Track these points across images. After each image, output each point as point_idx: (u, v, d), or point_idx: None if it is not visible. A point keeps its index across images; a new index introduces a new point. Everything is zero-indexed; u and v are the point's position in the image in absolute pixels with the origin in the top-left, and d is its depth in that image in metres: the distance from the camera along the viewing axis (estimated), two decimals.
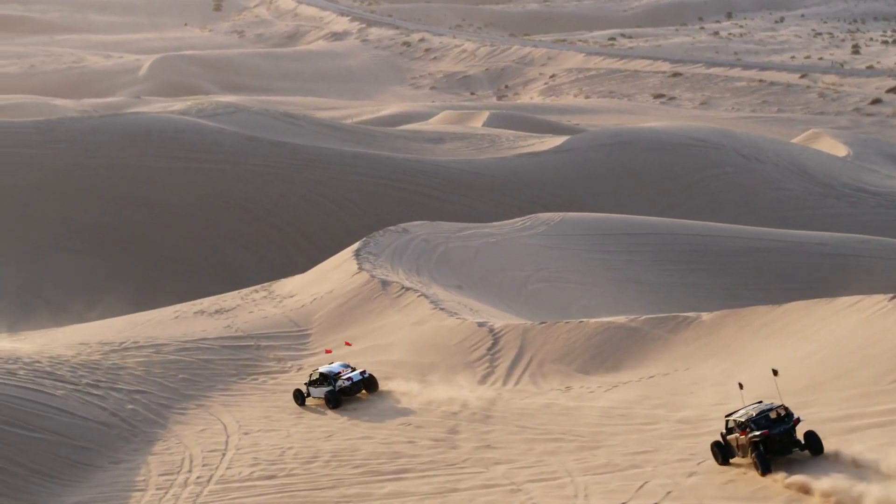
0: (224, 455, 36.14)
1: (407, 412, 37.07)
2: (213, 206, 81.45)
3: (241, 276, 73.51)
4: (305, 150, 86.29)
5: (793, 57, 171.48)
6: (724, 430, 28.36)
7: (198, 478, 34.73)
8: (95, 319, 59.63)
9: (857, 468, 25.41)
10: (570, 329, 40.91)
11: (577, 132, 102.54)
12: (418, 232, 58.33)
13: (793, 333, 35.81)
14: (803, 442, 26.93)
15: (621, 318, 41.28)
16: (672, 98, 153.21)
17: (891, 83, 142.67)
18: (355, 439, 35.66)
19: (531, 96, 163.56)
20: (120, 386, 42.58)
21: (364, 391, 39.60)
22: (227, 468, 35.00)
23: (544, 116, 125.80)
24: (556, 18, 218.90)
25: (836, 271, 61.01)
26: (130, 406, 41.06)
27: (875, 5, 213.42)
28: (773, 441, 26.83)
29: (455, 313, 45.15)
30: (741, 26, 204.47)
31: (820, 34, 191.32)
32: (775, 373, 28.81)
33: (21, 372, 42.06)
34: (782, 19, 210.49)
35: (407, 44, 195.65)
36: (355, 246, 56.04)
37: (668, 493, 27.52)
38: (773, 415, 27.19)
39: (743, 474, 27.27)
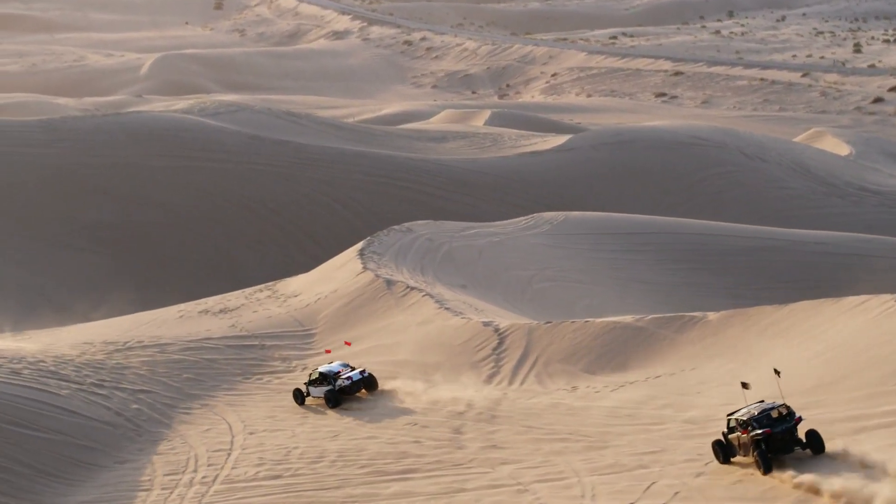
0: (229, 455, 36.10)
1: (412, 412, 37.01)
2: (215, 205, 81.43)
3: (243, 274, 73.51)
4: (308, 149, 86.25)
5: (794, 56, 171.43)
6: (725, 429, 28.44)
7: (203, 478, 34.68)
8: (99, 318, 59.59)
9: (864, 468, 25.40)
10: (575, 329, 40.88)
11: (579, 131, 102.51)
12: (422, 231, 58.26)
13: (800, 333, 35.78)
14: (805, 440, 27.09)
15: (627, 318, 41.24)
16: (674, 97, 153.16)
17: (892, 82, 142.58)
18: (361, 439, 35.62)
19: (532, 95, 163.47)
20: (124, 385, 42.53)
21: (364, 390, 39.61)
22: (233, 468, 34.96)
23: (546, 115, 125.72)
24: (558, 17, 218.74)
25: (839, 270, 61.00)
26: (135, 406, 41.01)
27: (876, 4, 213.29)
28: (775, 440, 27.01)
29: (460, 313, 45.10)
30: (742, 25, 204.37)
31: (821, 33, 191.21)
32: (777, 373, 28.89)
33: (25, 371, 42.03)
34: (784, 18, 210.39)
35: (408, 42, 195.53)
36: (359, 245, 55.95)
37: (676, 493, 27.50)
38: (774, 414, 27.36)
39: (750, 475, 27.24)
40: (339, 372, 39.54)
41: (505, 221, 63.52)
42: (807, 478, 25.75)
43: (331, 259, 57.35)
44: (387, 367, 41.78)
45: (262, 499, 32.60)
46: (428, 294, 47.55)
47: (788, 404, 27.62)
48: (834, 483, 24.91)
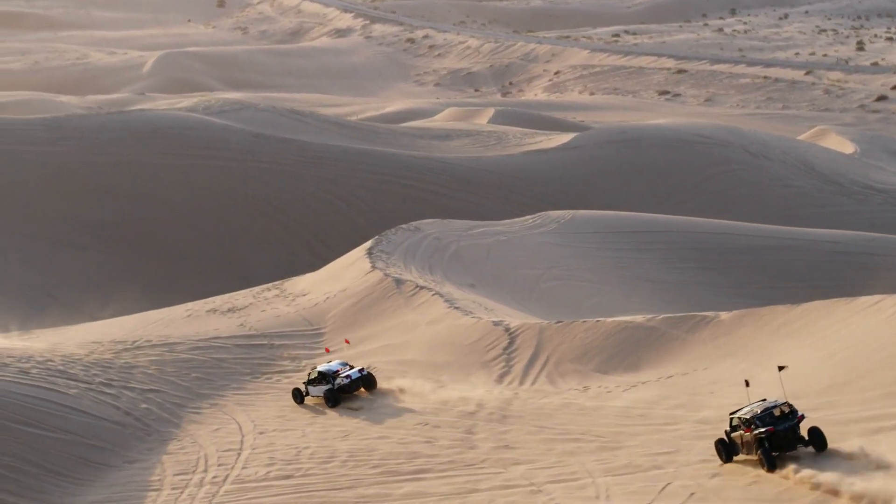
0: (239, 455, 35.97)
1: (423, 412, 36.88)
2: (219, 204, 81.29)
3: (248, 273, 73.43)
4: (312, 147, 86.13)
5: (797, 53, 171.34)
6: (728, 428, 28.42)
7: (213, 477, 34.55)
8: (106, 318, 59.45)
9: (882, 469, 25.30)
10: (587, 328, 40.75)
11: (583, 129, 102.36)
12: (430, 230, 58.11)
13: (812, 333, 35.67)
14: (807, 438, 27.16)
15: (638, 318, 41.11)
16: (677, 95, 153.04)
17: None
18: (372, 439, 35.49)
19: (535, 93, 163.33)
20: (133, 385, 42.41)
21: (363, 389, 39.48)
22: (243, 468, 34.83)
23: (549, 113, 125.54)
24: (560, 15, 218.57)
25: (846, 269, 60.91)
26: (144, 405, 40.88)
27: (879, 2, 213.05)
28: (778, 437, 27.14)
29: (470, 312, 44.97)
30: (745, 23, 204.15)
31: (824, 31, 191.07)
32: (781, 368, 28.90)
33: (34, 371, 41.89)
34: (786, 16, 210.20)
35: (411, 40, 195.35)
36: (368, 244, 55.79)
37: (692, 494, 27.39)
38: (777, 412, 27.46)
39: (766, 476, 27.14)
40: (338, 371, 39.45)
41: (512, 220, 63.40)
42: (826, 477, 25.64)
43: (339, 258, 57.22)
44: (396, 367, 41.66)
45: (274, 499, 32.47)
46: (437, 293, 47.41)
47: (792, 404, 27.64)
48: (856, 485, 24.81)
